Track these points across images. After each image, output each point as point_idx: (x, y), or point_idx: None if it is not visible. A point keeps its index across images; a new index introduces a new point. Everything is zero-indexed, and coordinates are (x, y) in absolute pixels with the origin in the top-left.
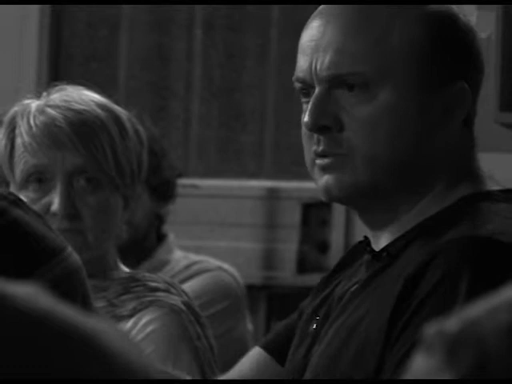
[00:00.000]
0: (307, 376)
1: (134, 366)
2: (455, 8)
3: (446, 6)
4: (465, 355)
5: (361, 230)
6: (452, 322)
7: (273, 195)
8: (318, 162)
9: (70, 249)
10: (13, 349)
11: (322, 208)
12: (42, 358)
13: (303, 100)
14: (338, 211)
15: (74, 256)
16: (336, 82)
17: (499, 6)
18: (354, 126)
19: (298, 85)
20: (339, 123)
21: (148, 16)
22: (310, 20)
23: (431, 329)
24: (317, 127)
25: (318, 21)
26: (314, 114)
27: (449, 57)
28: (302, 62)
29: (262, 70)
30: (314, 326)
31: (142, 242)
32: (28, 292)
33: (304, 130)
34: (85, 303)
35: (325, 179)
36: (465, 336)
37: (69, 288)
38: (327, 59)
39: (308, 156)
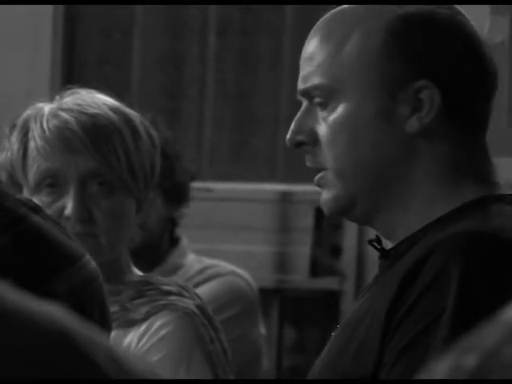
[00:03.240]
0: (315, 374)
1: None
2: (438, 10)
3: (426, 7)
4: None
5: (373, 234)
6: (470, 356)
7: (286, 199)
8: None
9: (87, 256)
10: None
11: None
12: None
13: None
14: None
15: (91, 263)
16: (308, 97)
17: None
18: (323, 142)
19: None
20: (315, 138)
21: (161, 20)
22: None
23: (443, 364)
24: (293, 143)
25: (311, 33)
26: (291, 131)
27: (402, 59)
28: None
29: (275, 73)
30: (333, 333)
31: (156, 246)
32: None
33: None
34: (102, 311)
35: (321, 195)
36: (487, 368)
37: (86, 296)
38: (302, 74)
39: None
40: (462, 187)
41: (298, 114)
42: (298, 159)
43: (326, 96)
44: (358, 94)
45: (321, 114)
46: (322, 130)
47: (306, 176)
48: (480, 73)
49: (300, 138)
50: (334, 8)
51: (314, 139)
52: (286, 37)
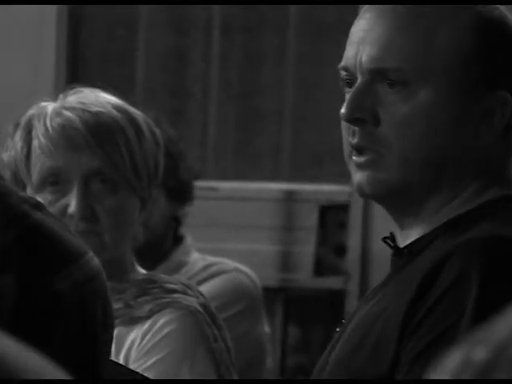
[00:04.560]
0: (326, 371)
1: None
2: (505, 12)
3: (497, 9)
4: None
5: (378, 233)
6: (480, 350)
7: (290, 197)
8: (355, 158)
9: (90, 253)
10: None
11: (339, 210)
12: None
13: (346, 90)
14: (356, 214)
15: (94, 260)
16: (378, 75)
17: None
18: (390, 123)
19: (342, 73)
20: (376, 118)
21: (166, 18)
22: (362, 12)
23: (454, 357)
24: (352, 118)
25: (370, 14)
26: (351, 105)
27: (493, 65)
28: (349, 51)
29: (280, 71)
30: (338, 329)
31: (159, 244)
32: None
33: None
34: (105, 307)
35: (359, 176)
36: (497, 362)
37: (89, 292)
38: (373, 52)
39: (346, 148)
40: (484, 189)
41: (356, 90)
42: (302, 158)
43: (405, 80)
44: (442, 88)
45: (392, 95)
46: (396, 112)
47: (311, 175)
48: None
49: (360, 114)
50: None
51: (376, 118)
52: (290, 35)
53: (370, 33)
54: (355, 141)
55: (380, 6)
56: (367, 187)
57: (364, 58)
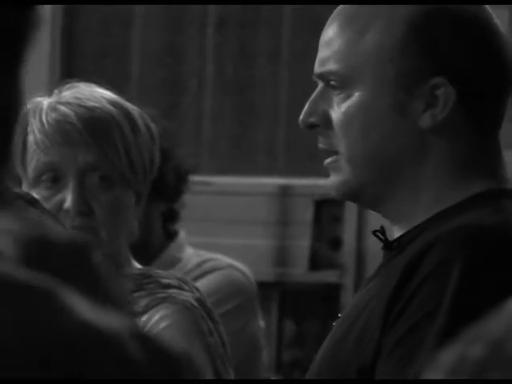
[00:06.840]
0: (316, 362)
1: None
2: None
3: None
4: (495, 379)
5: (373, 227)
6: (476, 347)
7: (285, 192)
8: (325, 161)
9: None
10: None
11: (334, 205)
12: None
13: None
14: (351, 208)
15: None
16: (324, 80)
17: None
18: (335, 125)
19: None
20: (327, 121)
21: (161, 13)
22: None
23: (449, 354)
24: (305, 125)
25: (329, 19)
26: (305, 112)
27: (426, 53)
28: None
29: (275, 66)
30: (334, 323)
31: (146, 242)
32: None
33: None
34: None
35: (330, 178)
36: (494, 360)
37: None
38: (319, 57)
39: None
40: (471, 183)
41: (313, 95)
42: (297, 153)
43: (341, 82)
44: (373, 85)
45: (335, 98)
46: (336, 114)
47: (306, 169)
48: (500, 74)
49: (312, 119)
50: (332, 5)
51: (327, 122)
52: (285, 30)
53: (323, 38)
54: (319, 145)
55: (335, 11)
56: (335, 189)
57: (316, 64)
